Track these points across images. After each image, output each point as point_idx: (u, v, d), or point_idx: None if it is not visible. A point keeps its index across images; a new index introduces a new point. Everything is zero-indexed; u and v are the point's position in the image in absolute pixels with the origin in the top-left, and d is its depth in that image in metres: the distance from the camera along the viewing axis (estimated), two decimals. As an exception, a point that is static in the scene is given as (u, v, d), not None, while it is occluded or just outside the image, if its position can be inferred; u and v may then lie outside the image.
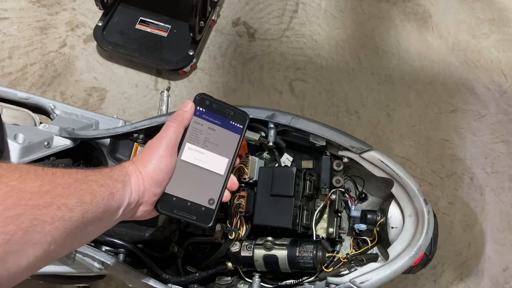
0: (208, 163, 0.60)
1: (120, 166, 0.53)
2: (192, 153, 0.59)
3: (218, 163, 0.60)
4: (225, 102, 0.62)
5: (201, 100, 0.60)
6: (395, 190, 0.72)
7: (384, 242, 0.74)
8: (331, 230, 0.75)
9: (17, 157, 0.74)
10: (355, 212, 0.77)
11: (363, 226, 0.74)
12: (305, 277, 0.76)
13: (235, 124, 0.62)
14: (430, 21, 1.41)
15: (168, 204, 0.57)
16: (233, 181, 0.62)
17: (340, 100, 1.31)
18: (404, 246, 0.68)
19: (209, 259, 0.79)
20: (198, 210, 0.59)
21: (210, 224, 0.59)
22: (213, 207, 0.60)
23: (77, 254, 0.79)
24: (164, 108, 0.95)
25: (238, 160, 0.64)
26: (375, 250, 0.76)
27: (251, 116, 0.78)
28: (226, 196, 0.61)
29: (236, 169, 0.76)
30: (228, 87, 1.34)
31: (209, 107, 0.61)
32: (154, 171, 0.54)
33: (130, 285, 0.83)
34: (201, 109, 0.60)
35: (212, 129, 0.61)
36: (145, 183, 0.53)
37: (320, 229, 0.79)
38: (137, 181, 0.53)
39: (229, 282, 0.80)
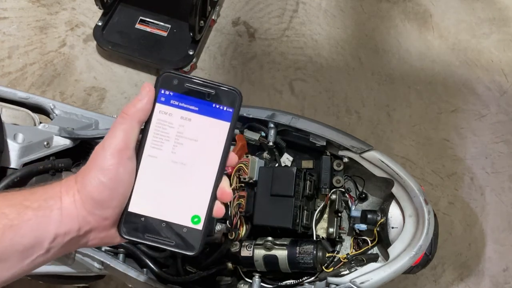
0: (185, 167, 0.44)
1: (54, 185, 0.42)
2: (160, 156, 0.44)
3: (201, 166, 0.44)
4: (204, 78, 0.45)
5: (165, 80, 0.44)
6: (395, 190, 0.72)
7: (384, 242, 0.74)
8: (331, 230, 0.75)
9: (16, 157, 0.74)
10: (355, 212, 0.77)
11: (363, 226, 0.74)
12: (305, 277, 0.75)
13: (221, 108, 0.45)
14: (431, 20, 1.41)
15: (134, 227, 0.43)
16: (224, 190, 0.45)
17: (340, 100, 1.31)
18: (405, 246, 0.68)
19: (209, 259, 0.78)
20: (177, 232, 0.43)
21: (197, 251, 0.44)
22: (199, 226, 0.44)
23: (76, 254, 0.79)
24: (164, 108, 0.95)
25: (236, 158, 0.47)
26: (375, 250, 0.76)
27: (251, 116, 0.77)
28: (218, 210, 0.45)
29: (236, 169, 0.76)
30: (228, 87, 1.33)
31: (178, 89, 0.44)
32: (95, 188, 0.41)
33: (130, 285, 0.83)
34: (166, 92, 0.44)
35: (187, 119, 0.44)
36: (85, 206, 0.41)
37: (320, 229, 0.78)
38: (72, 205, 0.41)
39: (229, 282, 0.80)
